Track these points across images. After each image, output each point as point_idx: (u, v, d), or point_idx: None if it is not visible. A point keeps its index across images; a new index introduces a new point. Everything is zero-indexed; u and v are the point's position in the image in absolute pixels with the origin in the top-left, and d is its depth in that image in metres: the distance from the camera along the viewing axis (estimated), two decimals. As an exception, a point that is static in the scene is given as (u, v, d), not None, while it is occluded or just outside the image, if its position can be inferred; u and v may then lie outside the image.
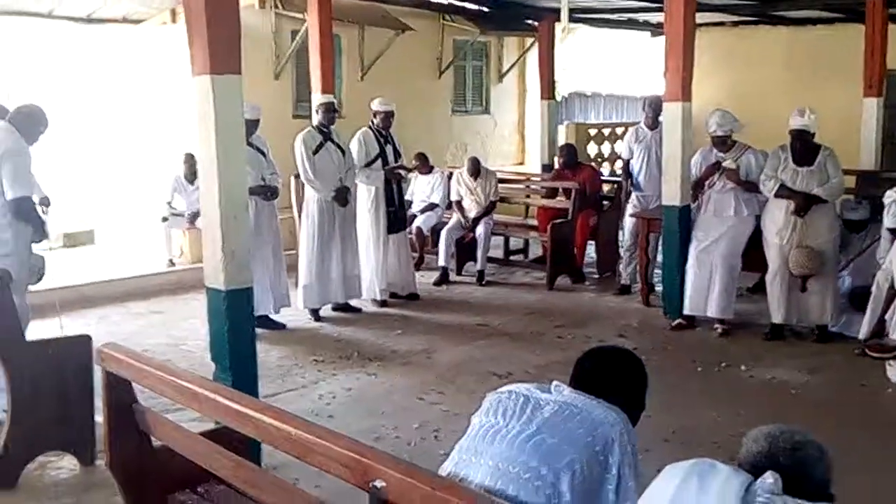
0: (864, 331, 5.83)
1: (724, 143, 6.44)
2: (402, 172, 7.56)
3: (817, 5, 10.01)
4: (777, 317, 6.25)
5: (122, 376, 2.76)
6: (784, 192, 6.02)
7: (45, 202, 5.17)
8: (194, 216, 8.02)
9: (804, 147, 6.01)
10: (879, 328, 5.74)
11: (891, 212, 5.65)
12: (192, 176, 8.25)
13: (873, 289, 5.74)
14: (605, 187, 9.35)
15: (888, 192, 5.92)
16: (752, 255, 6.42)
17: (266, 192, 6.48)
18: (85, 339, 4.06)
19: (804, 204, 5.95)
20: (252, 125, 6.16)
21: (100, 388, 2.89)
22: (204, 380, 2.67)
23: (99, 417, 3.37)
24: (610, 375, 2.33)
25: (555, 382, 2.31)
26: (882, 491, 3.88)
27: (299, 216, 7.39)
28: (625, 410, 2.21)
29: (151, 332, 6.66)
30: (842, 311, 6.27)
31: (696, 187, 6.57)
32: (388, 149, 7.33)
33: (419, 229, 8.73)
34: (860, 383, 5.39)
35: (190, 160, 8.17)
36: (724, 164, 6.38)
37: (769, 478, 1.75)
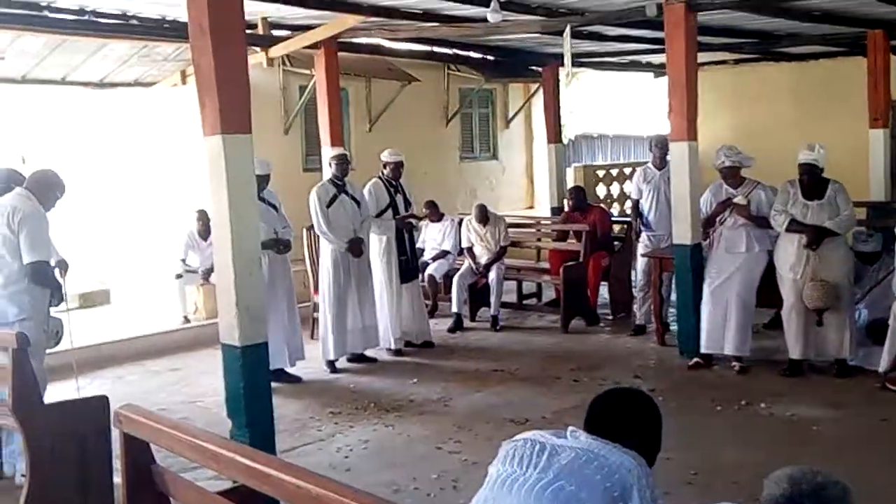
0: (884, 363, 5.77)
1: (733, 174, 6.46)
2: (413, 221, 7.62)
3: (818, 40, 10.09)
4: (795, 352, 6.20)
5: (140, 437, 2.78)
6: (795, 226, 6.02)
7: (63, 266, 5.22)
8: (208, 272, 8.07)
9: (812, 181, 6.03)
10: None
11: None
12: (205, 232, 8.33)
13: (891, 321, 5.70)
14: (616, 228, 9.36)
15: None
16: (766, 290, 6.39)
17: (279, 245, 6.54)
18: (102, 400, 4.08)
19: (815, 237, 5.94)
20: (263, 180, 6.25)
21: (118, 450, 2.90)
22: (222, 439, 2.68)
23: (117, 479, 3.38)
24: (623, 417, 2.32)
25: (570, 428, 2.31)
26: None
27: (313, 268, 7.42)
28: (641, 452, 2.20)
29: (169, 390, 6.67)
30: (860, 344, 6.21)
31: (708, 224, 6.58)
32: (399, 198, 7.40)
33: (431, 277, 8.75)
34: (881, 418, 5.31)
35: (203, 217, 8.27)
36: (734, 200, 6.39)
37: None
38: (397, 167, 7.36)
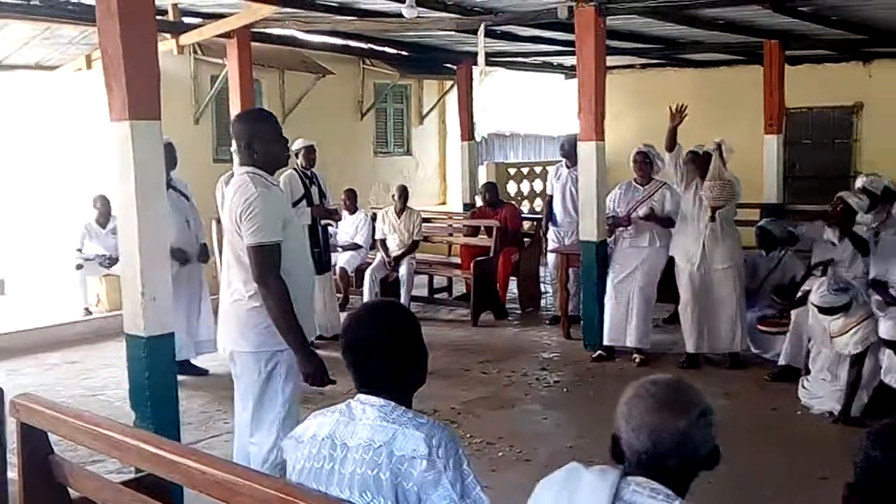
0: (783, 358, 6.08)
1: (643, 167, 6.68)
2: (333, 215, 7.56)
3: (719, 48, 10.52)
4: (690, 346, 6.47)
5: (38, 427, 2.70)
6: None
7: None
8: (112, 261, 7.84)
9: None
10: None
11: (820, 290, 5.27)
12: (103, 219, 8.09)
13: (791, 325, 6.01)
14: (525, 224, 9.54)
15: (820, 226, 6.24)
16: (665, 287, 6.66)
17: (185, 257, 6.40)
18: (-3, 392, 3.92)
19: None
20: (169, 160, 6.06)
21: (12, 443, 2.81)
22: (125, 426, 2.63)
23: (12, 473, 3.27)
24: (379, 343, 2.32)
25: (357, 399, 2.31)
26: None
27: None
28: (405, 369, 2.30)
29: (67, 383, 6.45)
30: (753, 336, 6.52)
31: (615, 226, 6.78)
32: (314, 189, 7.34)
33: (343, 269, 8.73)
34: (771, 407, 5.62)
35: (103, 203, 8.01)
36: (633, 216, 6.61)
37: None
38: (308, 153, 7.33)
